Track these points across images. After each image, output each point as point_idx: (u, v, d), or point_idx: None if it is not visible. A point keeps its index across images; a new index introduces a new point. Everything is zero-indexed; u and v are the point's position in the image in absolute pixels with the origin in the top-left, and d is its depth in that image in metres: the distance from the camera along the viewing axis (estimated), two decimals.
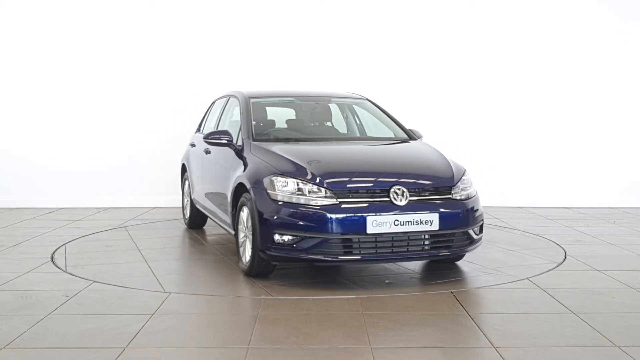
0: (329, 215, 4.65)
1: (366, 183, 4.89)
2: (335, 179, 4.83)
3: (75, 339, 3.81)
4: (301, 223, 4.69)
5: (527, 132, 9.69)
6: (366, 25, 9.63)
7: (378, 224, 4.68)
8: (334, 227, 4.65)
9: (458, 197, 5.00)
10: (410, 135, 6.13)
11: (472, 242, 5.08)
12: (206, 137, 5.85)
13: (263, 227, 4.82)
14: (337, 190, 4.77)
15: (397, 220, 4.71)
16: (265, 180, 4.92)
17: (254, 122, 5.88)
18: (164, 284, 5.06)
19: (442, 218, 4.83)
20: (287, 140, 5.75)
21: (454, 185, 5.04)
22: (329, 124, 6.47)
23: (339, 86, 8.88)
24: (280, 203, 4.78)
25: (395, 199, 4.78)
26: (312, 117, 6.47)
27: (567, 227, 7.74)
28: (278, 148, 5.34)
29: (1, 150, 9.51)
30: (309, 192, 4.77)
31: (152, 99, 9.53)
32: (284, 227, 4.73)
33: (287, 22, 9.61)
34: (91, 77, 9.52)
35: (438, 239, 4.88)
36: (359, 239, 4.68)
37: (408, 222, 4.74)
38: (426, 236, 4.81)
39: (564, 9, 9.64)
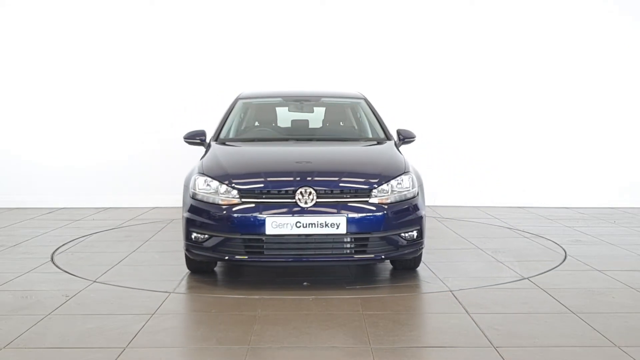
0: (229, 215, 4.71)
1: (274, 184, 4.82)
2: (244, 180, 4.87)
3: (75, 339, 3.81)
4: (208, 222, 4.79)
5: (527, 132, 9.69)
6: (367, 25, 9.62)
7: (278, 225, 4.63)
8: (234, 227, 4.69)
9: (377, 201, 4.79)
10: (388, 137, 5.92)
11: (398, 248, 4.85)
12: (185, 137, 5.96)
13: (184, 226, 4.96)
14: (244, 190, 4.79)
15: (300, 223, 4.63)
16: (191, 180, 5.08)
17: (232, 122, 6.12)
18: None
19: (351, 222, 4.67)
20: (250, 140, 5.95)
21: (374, 188, 4.83)
22: (311, 124, 6.53)
23: (342, 85, 8.88)
24: (195, 202, 4.90)
25: (300, 200, 4.71)
26: (297, 117, 6.61)
27: (567, 227, 7.74)
28: (223, 149, 5.52)
29: (1, 150, 9.50)
30: (220, 192, 4.83)
31: (152, 99, 9.53)
32: (196, 225, 4.85)
33: (288, 22, 9.60)
34: (91, 78, 9.52)
35: (346, 243, 4.72)
36: (258, 239, 4.68)
37: (311, 224, 4.64)
38: (345, 240, 4.69)
39: (564, 9, 9.63)
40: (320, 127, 6.57)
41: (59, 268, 5.58)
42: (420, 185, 5.19)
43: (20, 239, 6.90)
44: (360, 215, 4.72)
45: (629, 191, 9.59)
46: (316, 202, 4.70)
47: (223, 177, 4.91)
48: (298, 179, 4.81)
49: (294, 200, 4.70)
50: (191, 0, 9.53)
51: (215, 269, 5.47)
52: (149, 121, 9.49)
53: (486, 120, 9.67)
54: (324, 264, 5.26)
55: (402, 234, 4.87)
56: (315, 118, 6.70)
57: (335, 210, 4.70)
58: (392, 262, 5.41)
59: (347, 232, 4.67)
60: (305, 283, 5.05)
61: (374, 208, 4.76)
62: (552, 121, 9.68)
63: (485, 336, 3.83)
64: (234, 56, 9.54)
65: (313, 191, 4.73)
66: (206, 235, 4.80)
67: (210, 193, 4.86)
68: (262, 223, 4.64)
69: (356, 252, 4.79)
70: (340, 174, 4.99)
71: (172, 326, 4.04)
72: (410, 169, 5.23)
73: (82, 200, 9.35)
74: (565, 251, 6.27)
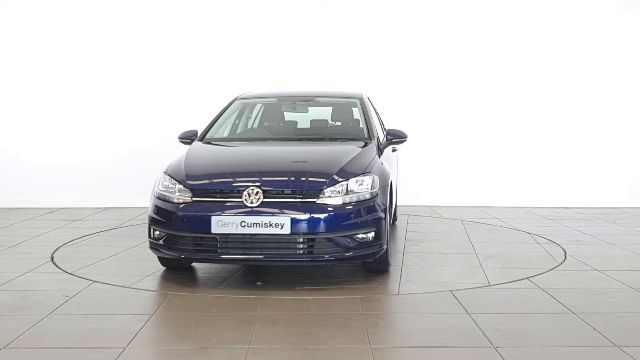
0: (180, 214, 4.79)
1: (223, 184, 4.87)
2: (198, 180, 4.94)
3: (75, 339, 3.81)
4: (164, 220, 4.89)
5: (527, 132, 9.69)
6: (368, 25, 9.62)
7: (223, 224, 4.66)
8: (184, 226, 4.77)
9: (326, 202, 4.75)
10: (371, 137, 5.85)
11: (349, 249, 4.78)
12: (179, 137, 6.16)
13: (147, 223, 5.10)
14: (196, 190, 4.86)
15: (244, 222, 4.65)
16: (157, 179, 5.21)
17: (224, 121, 6.26)
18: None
19: (296, 222, 4.65)
20: (233, 140, 6.09)
21: (323, 189, 4.79)
22: (301, 124, 6.57)
23: (345, 86, 8.87)
24: (156, 201, 5.04)
25: (246, 200, 4.73)
26: (285, 117, 6.66)
27: (567, 227, 7.74)
28: (195, 149, 5.63)
29: (1, 150, 9.51)
30: (176, 191, 4.93)
31: (152, 99, 9.53)
32: (155, 223, 4.98)
33: (288, 22, 9.61)
34: (91, 78, 9.53)
35: (291, 244, 4.71)
36: (205, 237, 4.74)
37: (256, 224, 4.64)
38: (290, 240, 4.67)
39: (564, 9, 9.63)
40: (308, 128, 6.57)
41: (59, 268, 5.58)
42: (384, 187, 5.09)
43: (20, 239, 6.90)
44: (305, 215, 4.68)
45: (629, 191, 9.60)
46: (262, 201, 4.72)
47: (181, 177, 5.02)
48: (246, 179, 4.87)
49: (241, 200, 4.73)
50: (191, 1, 9.54)
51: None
52: (149, 121, 9.49)
53: (486, 121, 9.67)
54: (271, 264, 5.27)
55: (355, 236, 4.80)
56: (309, 118, 6.75)
57: (280, 211, 4.69)
58: (362, 264, 5.35)
59: (291, 232, 4.65)
60: (258, 283, 5.09)
61: (321, 209, 4.72)
62: (552, 121, 9.68)
63: (485, 336, 3.83)
64: (236, 57, 9.55)
65: (260, 191, 4.74)
66: (163, 233, 4.91)
67: (169, 192, 4.97)
68: (208, 222, 4.68)
69: (302, 253, 4.75)
70: (289, 174, 5.02)
71: (172, 326, 4.04)
72: (375, 170, 5.13)
73: (82, 200, 9.35)
74: (565, 251, 6.27)
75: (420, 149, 9.14)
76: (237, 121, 6.54)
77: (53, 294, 4.72)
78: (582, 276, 5.32)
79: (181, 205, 4.83)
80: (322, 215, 4.70)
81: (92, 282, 5.09)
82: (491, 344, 3.71)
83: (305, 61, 9.61)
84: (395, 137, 5.97)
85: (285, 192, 4.80)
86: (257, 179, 4.84)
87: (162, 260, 5.35)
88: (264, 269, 5.48)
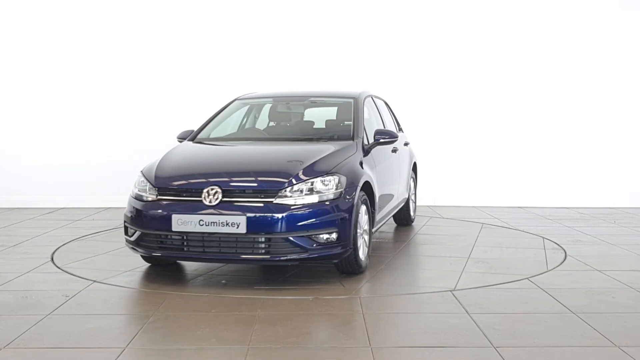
0: (145, 212, 4.94)
1: (185, 182, 4.99)
2: (163, 178, 5.07)
3: (75, 339, 3.81)
4: (134, 218, 5.05)
5: (527, 132, 9.69)
6: (367, 25, 9.63)
7: (183, 222, 4.74)
8: (148, 223, 4.92)
9: (284, 201, 4.75)
10: (354, 136, 5.74)
11: (308, 250, 4.75)
12: (177, 137, 6.28)
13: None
14: (161, 189, 4.99)
15: (202, 221, 4.70)
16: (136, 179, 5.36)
17: (220, 121, 6.37)
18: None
19: (252, 222, 4.66)
20: (224, 140, 6.14)
21: (282, 189, 4.79)
22: (287, 124, 6.62)
23: (341, 85, 8.88)
24: (131, 199, 5.18)
25: (205, 199, 4.78)
26: (277, 118, 6.70)
27: (567, 227, 7.74)
28: (176, 150, 5.73)
29: (1, 150, 9.51)
30: (146, 190, 5.07)
31: (152, 98, 9.54)
32: (127, 220, 5.14)
33: (288, 22, 9.61)
34: (91, 78, 9.53)
35: (248, 243, 4.72)
36: (166, 235, 4.84)
37: (214, 222, 4.69)
38: (247, 240, 4.69)
39: (564, 10, 9.63)
40: (296, 128, 6.57)
41: (59, 268, 5.58)
42: (351, 186, 5.02)
43: (20, 239, 6.90)
44: (261, 215, 4.70)
45: (629, 191, 9.60)
46: (221, 201, 4.77)
47: (151, 176, 5.16)
48: (206, 178, 4.94)
49: (200, 199, 4.78)
50: (191, 1, 9.54)
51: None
52: (149, 121, 9.49)
53: (486, 121, 9.67)
54: (229, 263, 5.36)
55: (315, 236, 4.78)
56: (306, 119, 6.75)
57: (237, 210, 4.72)
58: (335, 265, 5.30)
59: (247, 232, 4.67)
60: (223, 281, 5.13)
61: (278, 209, 4.72)
62: (552, 121, 9.69)
63: (485, 336, 3.83)
64: (237, 57, 9.55)
65: (219, 190, 4.79)
66: (133, 230, 5.06)
67: (141, 191, 5.12)
68: (169, 220, 4.78)
69: (259, 253, 4.76)
70: (250, 174, 5.06)
71: (172, 326, 4.04)
72: (344, 170, 5.07)
73: (82, 200, 9.35)
74: (565, 251, 6.27)
75: (420, 149, 9.12)
76: (244, 121, 6.62)
77: (53, 294, 4.73)
78: (582, 276, 5.32)
79: (147, 204, 4.98)
80: (278, 215, 4.70)
81: (92, 282, 5.09)
82: (491, 344, 3.70)
83: (307, 61, 9.61)
84: (383, 137, 5.90)
85: (244, 192, 4.84)
86: (216, 179, 4.91)
87: (143, 257, 5.45)
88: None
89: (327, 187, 4.92)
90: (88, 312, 4.34)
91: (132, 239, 5.09)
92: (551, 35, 9.65)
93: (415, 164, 7.95)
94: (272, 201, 4.76)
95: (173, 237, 4.83)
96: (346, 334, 3.88)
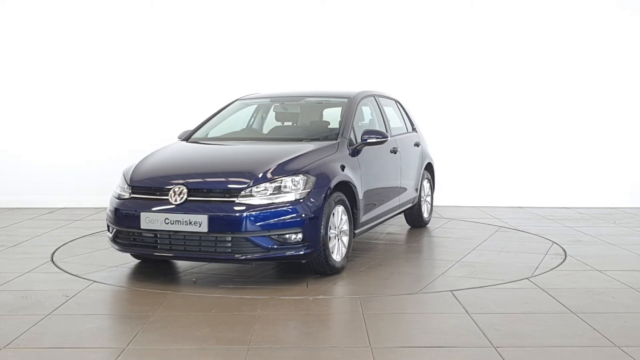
0: (119, 210, 5.09)
1: (154, 182, 5.11)
2: (137, 177, 5.21)
3: (75, 339, 3.81)
4: (111, 216, 5.20)
5: (527, 132, 9.69)
6: (367, 25, 9.63)
7: (150, 220, 4.85)
8: (120, 221, 5.08)
9: (246, 201, 4.77)
10: (338, 137, 5.70)
11: (269, 250, 4.77)
12: (178, 137, 6.40)
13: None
14: (134, 188, 5.14)
15: (168, 219, 4.79)
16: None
17: (219, 121, 6.46)
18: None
19: (213, 221, 4.71)
20: (216, 139, 6.21)
21: (245, 188, 4.82)
22: (282, 124, 6.66)
23: (341, 85, 8.88)
24: (112, 198, 5.32)
25: (171, 197, 4.86)
26: (277, 117, 6.75)
27: (567, 227, 7.74)
28: (161, 150, 5.82)
29: (1, 150, 9.50)
30: (124, 188, 5.23)
31: (152, 98, 9.53)
32: (107, 218, 5.30)
33: (288, 22, 9.61)
34: (91, 78, 9.52)
35: (211, 242, 4.77)
36: (137, 233, 4.97)
37: (178, 221, 4.77)
38: (210, 239, 4.74)
39: (564, 11, 9.63)
40: (287, 128, 6.59)
41: (59, 268, 5.58)
42: (320, 187, 4.98)
43: (20, 239, 6.90)
44: (223, 214, 4.75)
45: (629, 191, 9.60)
46: (186, 199, 4.84)
47: (128, 175, 5.31)
48: (174, 177, 5.05)
49: (167, 198, 4.88)
50: (192, 1, 9.53)
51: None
52: (149, 121, 9.49)
53: (486, 121, 9.67)
54: (194, 261, 5.47)
55: (277, 236, 4.79)
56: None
57: (200, 209, 4.77)
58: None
59: (209, 230, 4.72)
60: (193, 279, 5.18)
61: (239, 208, 4.75)
62: (552, 121, 9.69)
63: (485, 336, 3.83)
64: (238, 57, 9.55)
65: (185, 189, 4.87)
66: (112, 228, 5.22)
67: (119, 190, 5.27)
68: (138, 218, 4.90)
69: (221, 252, 4.81)
70: (215, 174, 5.11)
71: (172, 326, 4.04)
72: (314, 170, 5.04)
73: (82, 200, 9.34)
74: (565, 251, 6.27)
75: None
76: (251, 121, 6.70)
77: (53, 294, 4.73)
78: (582, 276, 5.32)
79: (122, 202, 5.13)
80: (239, 215, 4.73)
81: (92, 282, 5.09)
82: (491, 344, 3.70)
83: (311, 61, 9.61)
84: (370, 137, 5.82)
85: (210, 191, 4.89)
86: (183, 178, 5.00)
87: (131, 254, 5.55)
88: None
89: (294, 187, 4.92)
90: (88, 312, 4.34)
91: (110, 236, 5.25)
92: (550, 35, 9.64)
93: (430, 164, 7.79)
94: (234, 200, 4.79)
95: (143, 234, 4.95)
96: (346, 334, 3.88)
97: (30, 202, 9.31)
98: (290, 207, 4.84)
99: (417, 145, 7.42)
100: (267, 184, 4.87)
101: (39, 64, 9.48)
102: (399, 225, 7.67)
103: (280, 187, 4.89)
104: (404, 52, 9.63)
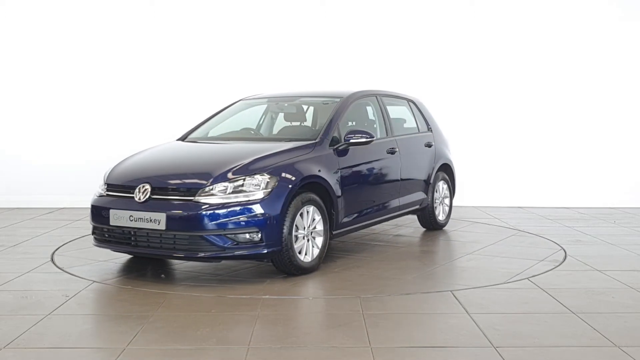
0: (94, 206, 5.30)
1: (124, 180, 5.27)
2: (113, 176, 5.41)
3: (75, 339, 3.81)
4: (92, 213, 5.36)
5: (527, 132, 9.69)
6: (367, 25, 9.63)
7: (117, 217, 5.04)
8: (95, 217, 5.28)
9: (204, 200, 4.82)
10: (322, 137, 5.64)
11: (225, 249, 4.81)
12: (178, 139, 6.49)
13: None
14: (109, 185, 5.35)
15: (132, 216, 4.95)
16: None
17: (219, 121, 6.55)
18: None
19: (171, 219, 4.81)
20: (213, 139, 6.29)
21: (204, 187, 4.87)
22: (276, 123, 6.76)
23: (342, 85, 8.88)
24: (95, 195, 5.46)
25: (136, 195, 5.00)
26: (274, 117, 6.85)
27: (567, 227, 7.74)
28: (148, 149, 5.96)
29: (1, 150, 9.51)
30: (102, 186, 5.44)
31: (153, 99, 9.54)
32: (90, 215, 5.42)
33: (288, 22, 9.61)
34: (91, 78, 9.53)
35: (170, 239, 4.87)
36: (108, 229, 5.15)
37: (140, 219, 4.92)
38: (168, 236, 4.86)
39: (564, 12, 9.64)
40: (279, 128, 6.61)
41: (59, 268, 5.58)
42: (283, 187, 4.96)
43: (20, 239, 6.90)
44: (180, 212, 4.83)
45: (629, 191, 9.60)
46: (149, 197, 4.97)
47: (107, 174, 5.53)
48: (140, 176, 5.20)
49: (133, 196, 5.04)
50: (192, 1, 9.54)
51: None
52: (150, 121, 9.49)
53: (486, 121, 9.67)
54: (154, 257, 5.56)
55: (234, 235, 4.83)
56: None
57: (160, 207, 4.89)
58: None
59: (166, 228, 4.82)
60: (162, 275, 5.30)
61: (196, 207, 4.82)
62: (552, 121, 9.69)
63: (485, 336, 3.83)
64: (238, 57, 9.55)
65: (149, 187, 5.01)
66: (92, 224, 5.39)
67: (99, 188, 5.46)
68: (108, 215, 5.09)
69: (178, 249, 4.91)
70: (178, 173, 5.20)
71: (172, 326, 4.04)
72: (277, 171, 5.02)
73: (82, 200, 9.29)
74: (565, 251, 6.27)
75: None
76: (261, 121, 6.76)
77: (53, 294, 4.73)
78: (582, 276, 5.32)
79: (98, 199, 5.33)
80: (195, 213, 4.79)
81: (92, 282, 5.09)
82: (491, 344, 3.71)
83: (311, 61, 9.62)
84: (354, 137, 5.72)
85: (171, 189, 4.98)
86: (148, 177, 5.15)
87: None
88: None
89: (255, 187, 4.93)
90: (88, 312, 4.34)
91: (91, 232, 5.45)
92: (550, 35, 9.64)
93: (446, 165, 7.46)
94: (191, 199, 4.87)
95: (113, 230, 5.12)
96: (346, 334, 3.88)
97: (30, 202, 9.31)
98: (250, 206, 4.87)
99: (428, 145, 7.18)
100: (227, 184, 4.92)
101: (39, 64, 9.49)
102: (414, 228, 7.50)
103: (240, 186, 4.92)
104: (405, 52, 9.63)
